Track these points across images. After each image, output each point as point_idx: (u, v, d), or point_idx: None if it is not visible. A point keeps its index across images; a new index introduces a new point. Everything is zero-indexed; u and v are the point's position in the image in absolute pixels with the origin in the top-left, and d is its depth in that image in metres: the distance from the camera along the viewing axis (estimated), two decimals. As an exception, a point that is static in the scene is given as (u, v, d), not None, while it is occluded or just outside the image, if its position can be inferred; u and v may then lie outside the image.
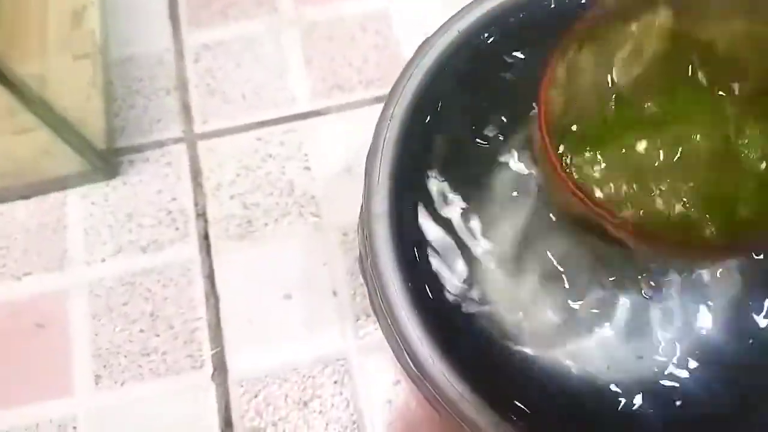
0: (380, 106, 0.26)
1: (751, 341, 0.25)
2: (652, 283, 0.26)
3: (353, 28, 0.41)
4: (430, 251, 0.26)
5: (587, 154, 0.24)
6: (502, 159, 0.27)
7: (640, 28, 0.24)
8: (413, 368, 0.23)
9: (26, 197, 0.38)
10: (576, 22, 0.23)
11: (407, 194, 0.25)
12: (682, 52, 0.24)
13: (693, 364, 0.25)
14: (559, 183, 0.21)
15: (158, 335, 0.34)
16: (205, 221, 0.37)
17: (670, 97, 0.24)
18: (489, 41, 0.28)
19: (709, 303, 0.26)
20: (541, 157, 0.23)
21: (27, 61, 0.40)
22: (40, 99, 0.33)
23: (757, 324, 0.25)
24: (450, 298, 0.26)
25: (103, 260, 0.36)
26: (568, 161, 0.22)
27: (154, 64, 0.41)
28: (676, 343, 0.25)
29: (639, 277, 0.26)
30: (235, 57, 0.41)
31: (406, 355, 0.24)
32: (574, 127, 0.24)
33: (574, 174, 0.22)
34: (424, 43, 0.27)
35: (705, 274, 0.26)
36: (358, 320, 0.35)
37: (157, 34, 0.42)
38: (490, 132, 0.29)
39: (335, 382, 0.33)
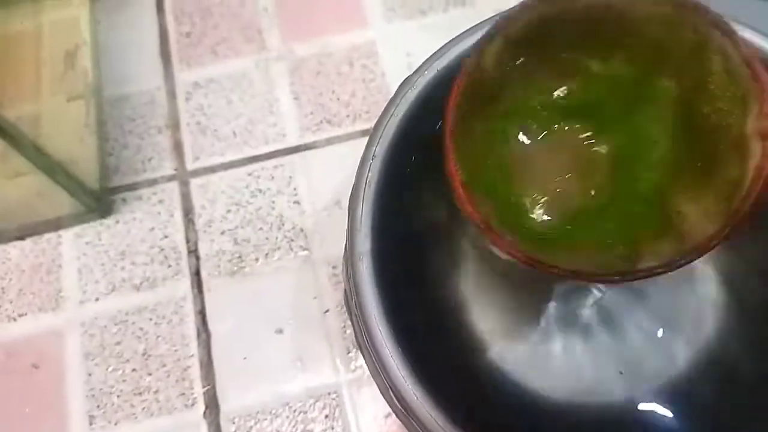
0: (368, 139, 0.27)
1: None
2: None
3: (340, 62, 0.42)
4: (413, 289, 0.26)
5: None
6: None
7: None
8: (398, 405, 0.24)
9: (21, 238, 0.38)
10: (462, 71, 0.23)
11: (390, 232, 0.26)
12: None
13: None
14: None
15: (150, 374, 0.35)
16: (197, 258, 0.37)
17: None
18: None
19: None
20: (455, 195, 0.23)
21: (21, 103, 0.40)
22: (33, 144, 0.34)
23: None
24: (434, 334, 0.27)
25: (97, 299, 0.37)
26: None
27: (146, 103, 0.42)
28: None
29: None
30: (225, 94, 0.42)
31: (390, 391, 0.24)
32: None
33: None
34: (404, 82, 0.28)
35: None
36: (348, 353, 0.35)
37: (149, 74, 0.42)
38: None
39: (326, 416, 0.33)
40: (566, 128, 0.25)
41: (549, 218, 0.24)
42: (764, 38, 0.26)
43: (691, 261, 0.21)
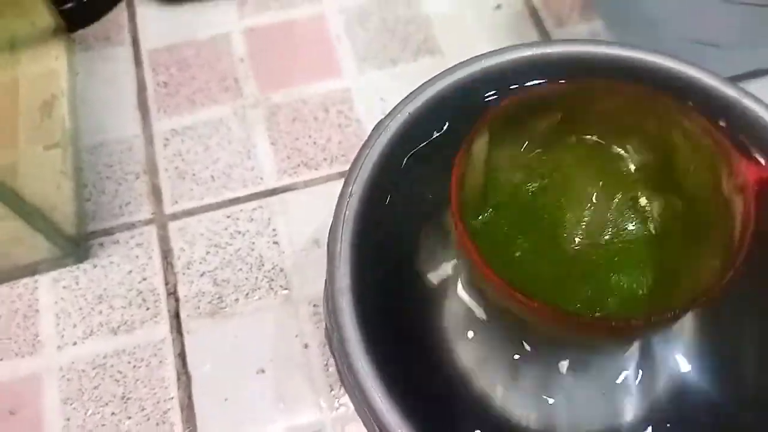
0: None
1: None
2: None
3: (316, 109, 0.44)
4: (395, 324, 0.27)
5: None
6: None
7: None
8: (383, 440, 0.24)
9: (-3, 284, 0.38)
10: (483, 114, 0.25)
11: (369, 269, 0.27)
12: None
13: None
14: (477, 271, 0.23)
15: (130, 417, 0.34)
16: (176, 300, 0.38)
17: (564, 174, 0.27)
18: (437, 121, 0.30)
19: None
20: (458, 242, 0.24)
21: (-2, 150, 0.41)
22: (11, 190, 0.34)
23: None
24: (418, 370, 0.27)
25: (75, 343, 0.37)
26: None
27: (124, 150, 0.43)
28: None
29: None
30: (203, 140, 0.43)
31: (376, 428, 0.24)
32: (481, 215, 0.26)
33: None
34: (377, 125, 0.29)
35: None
36: (332, 391, 0.35)
37: (126, 122, 0.43)
38: (439, 206, 0.31)
39: (309, 456, 0.33)
40: (558, 199, 0.27)
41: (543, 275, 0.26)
42: (707, 75, 0.28)
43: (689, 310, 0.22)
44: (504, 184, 0.27)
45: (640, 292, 0.25)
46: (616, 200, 0.27)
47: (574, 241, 0.26)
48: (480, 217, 0.26)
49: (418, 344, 0.28)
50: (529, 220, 0.27)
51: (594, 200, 0.27)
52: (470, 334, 0.30)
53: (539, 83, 0.29)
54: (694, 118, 0.24)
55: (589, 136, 0.27)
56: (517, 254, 0.26)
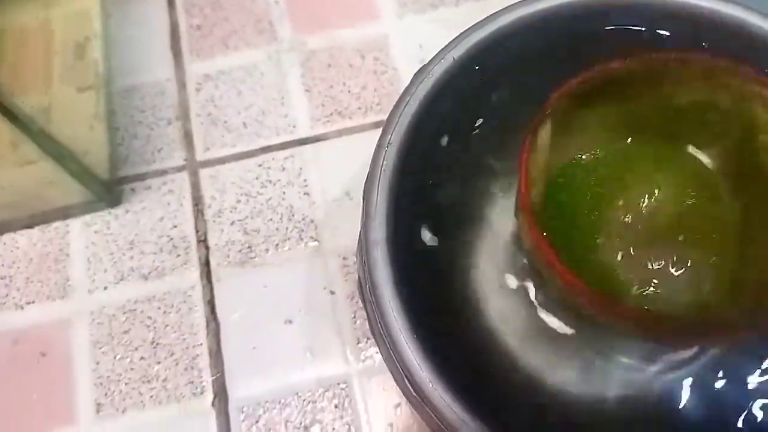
0: (379, 131, 0.26)
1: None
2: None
3: (351, 55, 0.42)
4: (428, 277, 0.26)
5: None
6: (496, 190, 0.28)
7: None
8: (413, 393, 0.24)
9: (29, 227, 0.38)
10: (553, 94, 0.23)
11: (405, 221, 0.26)
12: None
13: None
14: (555, 275, 0.22)
15: (159, 362, 0.34)
16: (206, 248, 0.37)
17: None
18: (485, 69, 0.28)
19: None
20: (529, 240, 0.23)
21: (31, 93, 0.40)
22: (44, 132, 0.34)
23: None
24: (449, 322, 0.26)
25: (105, 288, 0.37)
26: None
27: (156, 93, 0.42)
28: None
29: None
30: (236, 85, 0.42)
31: (405, 380, 0.24)
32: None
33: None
34: (420, 70, 0.28)
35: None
36: (359, 343, 0.35)
37: (159, 65, 0.42)
38: (487, 159, 0.29)
39: (336, 407, 0.33)
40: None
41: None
42: None
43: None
44: (570, 175, 0.26)
45: (709, 291, 0.23)
46: (688, 197, 0.25)
47: (641, 237, 0.25)
48: (547, 211, 0.25)
49: (454, 299, 0.27)
50: (594, 214, 0.25)
51: (663, 196, 0.25)
52: (509, 294, 0.29)
53: (604, 62, 0.26)
54: None
55: (657, 123, 0.25)
56: (584, 251, 0.24)
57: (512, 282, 0.28)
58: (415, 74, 0.28)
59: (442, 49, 0.28)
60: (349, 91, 0.41)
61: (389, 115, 0.27)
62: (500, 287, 0.28)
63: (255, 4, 0.44)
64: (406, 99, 0.27)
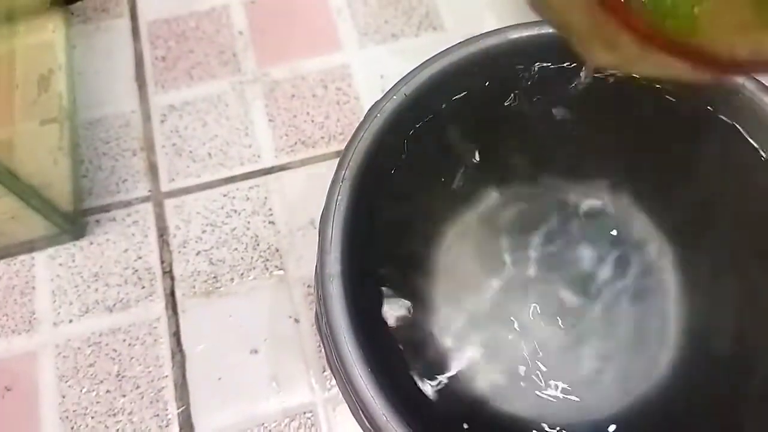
0: (342, 160, 0.27)
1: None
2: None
3: (314, 85, 0.43)
4: (382, 310, 0.27)
5: None
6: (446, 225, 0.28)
7: None
8: (368, 425, 0.24)
9: (-6, 260, 0.38)
10: None
11: (360, 255, 0.26)
12: None
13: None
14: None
15: (125, 395, 0.35)
16: (172, 279, 0.38)
17: None
18: (434, 104, 0.29)
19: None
20: None
21: (-6, 127, 0.40)
22: (6, 168, 0.34)
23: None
24: (403, 356, 0.27)
25: (71, 321, 0.37)
26: None
27: (121, 125, 0.42)
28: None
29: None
30: (200, 116, 0.42)
31: (360, 412, 0.24)
32: None
33: None
34: (373, 106, 0.29)
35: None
36: (324, 372, 0.35)
37: (124, 97, 0.43)
38: (442, 188, 0.30)
39: (301, 436, 0.33)
40: None
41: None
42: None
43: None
44: None
45: None
46: None
47: None
48: None
49: (407, 332, 0.28)
50: None
51: None
52: (462, 317, 0.29)
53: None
54: None
55: None
56: None
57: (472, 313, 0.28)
58: (368, 110, 0.28)
59: (394, 85, 0.29)
60: (312, 121, 0.42)
61: (344, 150, 0.28)
62: (459, 317, 0.29)
63: (219, 36, 0.45)
64: (359, 136, 0.27)
